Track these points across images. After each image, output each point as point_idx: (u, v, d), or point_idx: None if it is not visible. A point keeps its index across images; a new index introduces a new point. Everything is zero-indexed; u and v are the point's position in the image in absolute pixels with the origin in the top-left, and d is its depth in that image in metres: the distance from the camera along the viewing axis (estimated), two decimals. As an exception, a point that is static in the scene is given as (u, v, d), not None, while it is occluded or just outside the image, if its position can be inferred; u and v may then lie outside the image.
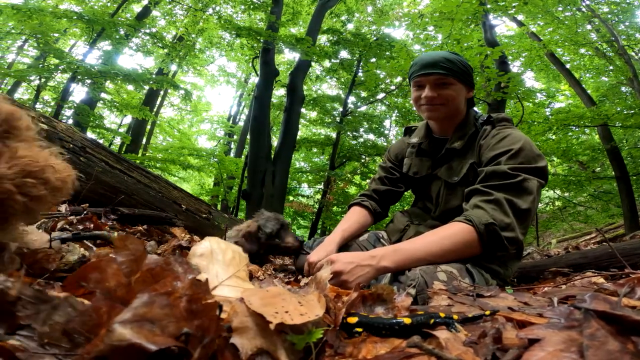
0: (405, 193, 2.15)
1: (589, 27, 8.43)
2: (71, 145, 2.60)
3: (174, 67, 12.49)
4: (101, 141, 10.33)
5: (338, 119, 9.66)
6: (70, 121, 7.57)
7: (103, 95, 9.10)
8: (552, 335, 0.44)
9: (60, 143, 2.57)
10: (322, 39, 10.10)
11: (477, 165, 1.64)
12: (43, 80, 7.89)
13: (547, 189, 9.15)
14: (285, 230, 2.05)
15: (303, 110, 9.53)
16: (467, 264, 1.50)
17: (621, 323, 0.45)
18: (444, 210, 1.75)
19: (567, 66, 8.49)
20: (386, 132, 10.50)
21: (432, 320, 0.55)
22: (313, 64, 9.45)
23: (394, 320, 0.57)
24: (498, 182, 1.45)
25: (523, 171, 1.46)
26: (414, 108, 1.84)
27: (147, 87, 9.38)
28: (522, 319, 0.56)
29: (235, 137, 14.69)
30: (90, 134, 9.37)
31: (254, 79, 11.95)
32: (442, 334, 0.52)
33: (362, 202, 2.01)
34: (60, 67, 7.27)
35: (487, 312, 0.58)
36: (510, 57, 8.36)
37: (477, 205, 1.44)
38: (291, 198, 10.82)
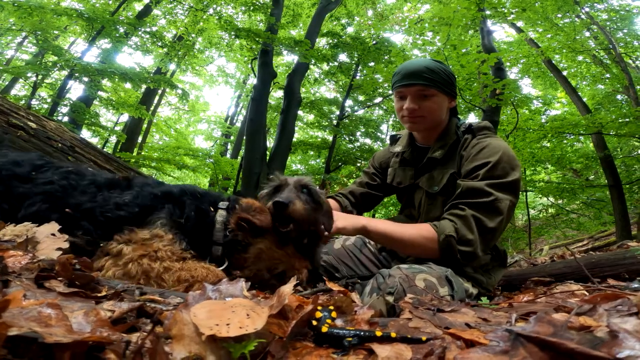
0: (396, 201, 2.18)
1: (587, 34, 8.47)
2: (60, 145, 2.61)
3: (173, 67, 12.49)
4: (96, 139, 10.35)
5: (335, 122, 9.67)
6: (66, 118, 7.56)
7: (100, 93, 9.09)
8: (484, 360, 0.45)
9: (49, 142, 2.58)
10: (322, 41, 10.10)
11: (457, 175, 1.66)
12: (40, 77, 7.88)
13: (540, 196, 9.18)
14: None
15: (300, 112, 9.53)
16: (447, 273, 1.52)
17: (555, 350, 0.45)
18: (426, 220, 1.77)
19: (564, 73, 8.52)
20: (383, 136, 10.50)
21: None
22: (311, 66, 9.45)
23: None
24: (472, 199, 1.52)
25: (498, 188, 1.52)
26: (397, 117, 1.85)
27: (144, 86, 9.37)
28: (471, 338, 0.56)
29: (232, 137, 14.67)
30: (85, 132, 9.37)
31: (253, 80, 11.93)
32: (383, 351, 0.53)
33: (335, 196, 2.08)
34: (57, 65, 7.26)
35: (424, 338, 0.58)
36: (508, 64, 8.40)
37: (449, 218, 1.53)
38: (286, 200, 10.76)
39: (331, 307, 0.67)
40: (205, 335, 0.49)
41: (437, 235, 1.49)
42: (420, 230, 1.55)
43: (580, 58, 8.76)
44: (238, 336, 0.51)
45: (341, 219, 1.58)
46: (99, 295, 0.83)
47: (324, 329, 0.58)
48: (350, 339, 0.56)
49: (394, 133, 2.10)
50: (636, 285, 1.20)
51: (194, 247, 1.32)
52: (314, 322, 0.62)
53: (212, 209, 1.41)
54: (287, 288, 0.71)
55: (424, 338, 0.58)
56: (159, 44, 9.74)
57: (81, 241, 1.25)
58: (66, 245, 1.18)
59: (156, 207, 1.34)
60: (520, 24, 8.70)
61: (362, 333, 0.58)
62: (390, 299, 1.33)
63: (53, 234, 1.25)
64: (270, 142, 7.58)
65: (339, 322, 0.69)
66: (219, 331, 0.50)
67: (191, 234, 1.33)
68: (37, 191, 1.33)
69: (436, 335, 0.60)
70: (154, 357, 0.48)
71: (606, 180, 6.80)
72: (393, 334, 0.58)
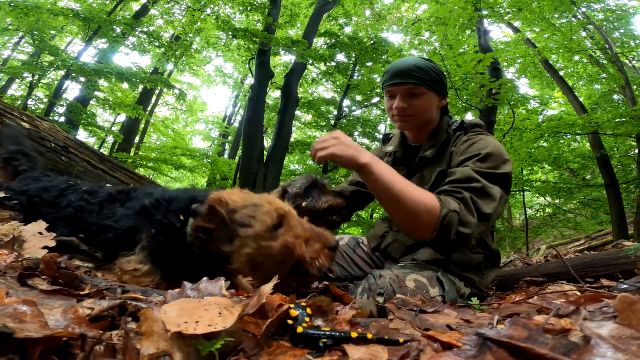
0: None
1: (584, 34, 8.50)
2: (53, 145, 2.60)
3: (170, 67, 12.48)
4: (93, 140, 10.33)
5: (333, 122, 9.67)
6: (63, 119, 7.55)
7: (97, 93, 9.09)
8: (454, 365, 0.44)
9: (43, 142, 2.57)
10: (320, 41, 10.10)
11: (446, 172, 1.64)
12: (36, 77, 7.87)
13: (537, 195, 9.19)
14: (321, 189, 1.62)
15: (298, 113, 9.53)
16: (438, 274, 1.51)
17: (525, 355, 0.43)
18: None
19: (561, 73, 8.54)
20: (380, 136, 10.50)
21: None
22: (309, 66, 9.45)
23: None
24: (465, 184, 1.44)
25: (487, 177, 1.46)
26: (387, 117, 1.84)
27: (141, 86, 9.37)
28: (448, 340, 0.56)
29: (230, 138, 14.66)
30: (82, 132, 9.36)
31: (250, 80, 11.93)
32: (356, 353, 0.52)
33: None
34: (54, 65, 7.25)
35: (401, 340, 0.57)
36: (505, 64, 8.42)
37: (449, 197, 1.43)
38: (284, 200, 10.77)
39: (304, 304, 0.66)
40: (171, 332, 0.50)
41: (440, 209, 1.36)
42: (424, 197, 1.38)
43: (577, 58, 8.78)
44: (208, 334, 0.52)
45: (337, 147, 1.40)
46: (82, 293, 0.84)
47: (300, 329, 0.58)
48: (325, 340, 0.56)
49: (387, 132, 2.08)
50: (625, 287, 1.20)
51: (171, 273, 1.17)
52: (290, 322, 0.61)
53: (181, 218, 1.19)
54: (267, 288, 0.71)
55: (401, 340, 0.57)
56: (157, 44, 9.73)
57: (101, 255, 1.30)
58: (53, 244, 1.19)
59: (136, 226, 1.26)
60: (517, 24, 8.72)
61: (337, 334, 0.58)
62: (380, 300, 1.33)
63: (40, 233, 1.25)
64: (268, 143, 7.58)
65: (320, 323, 0.69)
66: (187, 329, 0.51)
67: (162, 257, 1.18)
68: (59, 216, 1.37)
69: (414, 338, 0.59)
70: (125, 353, 0.49)
71: (603, 180, 6.80)
72: (369, 336, 0.57)
